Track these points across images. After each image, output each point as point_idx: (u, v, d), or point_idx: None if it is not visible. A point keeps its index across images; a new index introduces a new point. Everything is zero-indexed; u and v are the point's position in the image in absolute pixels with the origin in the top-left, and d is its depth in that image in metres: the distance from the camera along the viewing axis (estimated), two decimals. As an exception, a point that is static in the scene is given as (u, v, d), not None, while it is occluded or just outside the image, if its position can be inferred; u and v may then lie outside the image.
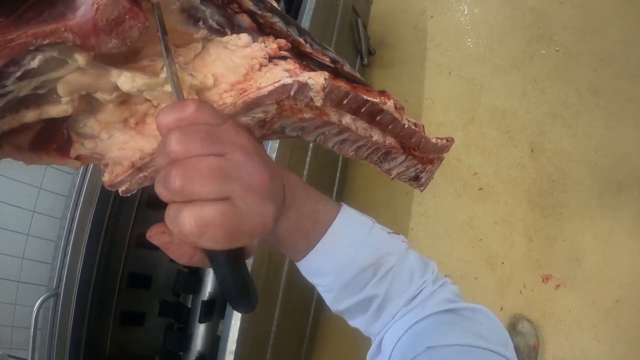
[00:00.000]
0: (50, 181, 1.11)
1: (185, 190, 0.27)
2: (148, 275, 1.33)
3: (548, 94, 1.78)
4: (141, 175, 0.44)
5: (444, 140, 0.57)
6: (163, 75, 0.36)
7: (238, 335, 0.97)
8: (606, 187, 1.65)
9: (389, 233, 0.45)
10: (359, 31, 1.70)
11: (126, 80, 0.35)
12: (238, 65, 0.40)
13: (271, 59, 0.40)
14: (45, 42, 0.30)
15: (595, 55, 1.79)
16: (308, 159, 1.30)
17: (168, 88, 0.37)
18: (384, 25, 2.04)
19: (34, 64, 0.32)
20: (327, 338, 1.73)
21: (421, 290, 0.43)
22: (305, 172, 1.28)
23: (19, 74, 0.32)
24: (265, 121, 0.41)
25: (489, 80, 1.84)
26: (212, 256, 0.32)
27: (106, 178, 0.44)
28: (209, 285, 1.24)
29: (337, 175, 1.66)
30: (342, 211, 0.43)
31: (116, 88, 0.37)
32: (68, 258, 1.03)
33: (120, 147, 0.43)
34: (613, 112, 1.72)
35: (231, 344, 0.98)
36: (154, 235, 0.32)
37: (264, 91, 0.38)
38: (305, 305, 1.54)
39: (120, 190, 0.45)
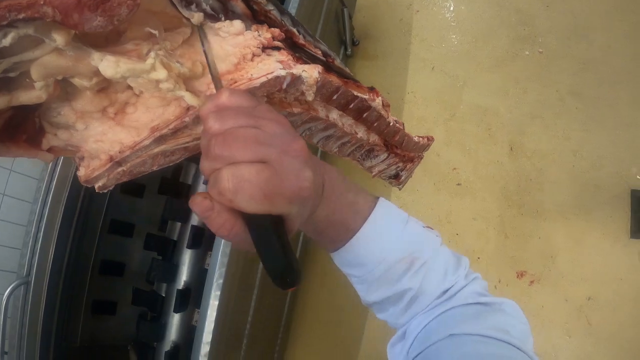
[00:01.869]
0: (21, 164, 1.09)
1: (224, 154, 0.29)
2: (121, 263, 1.32)
3: (529, 95, 1.82)
4: (120, 169, 0.41)
5: (425, 139, 0.59)
6: (150, 61, 0.34)
7: (214, 325, 0.97)
8: (582, 188, 1.69)
9: (423, 227, 0.46)
10: (344, 21, 1.70)
11: (109, 65, 0.32)
12: (229, 54, 0.38)
13: (264, 49, 0.39)
14: (21, 16, 0.27)
15: (577, 60, 1.83)
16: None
17: (155, 75, 0.34)
18: (369, 16, 2.04)
19: (6, 41, 0.29)
20: (302, 328, 1.75)
21: (453, 285, 0.44)
22: None
23: None
24: None
25: (472, 78, 1.86)
26: (252, 225, 0.31)
27: (82, 173, 0.41)
28: (185, 274, 1.25)
29: (318, 156, 1.67)
30: (380, 204, 0.44)
31: (97, 73, 0.34)
32: (39, 244, 1.01)
33: (98, 139, 0.40)
34: (592, 116, 1.76)
35: (207, 334, 0.98)
36: (196, 203, 0.31)
37: (256, 82, 0.37)
38: (281, 295, 1.55)
39: (96, 187, 0.43)
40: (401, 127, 0.53)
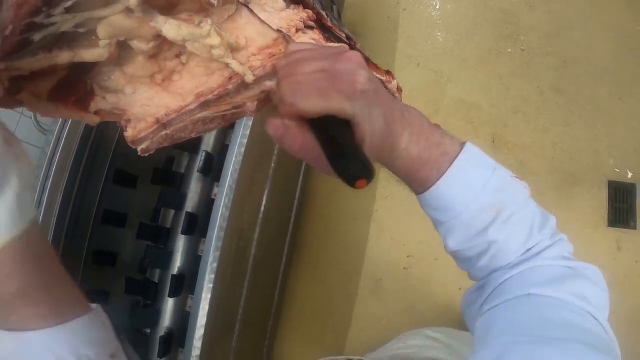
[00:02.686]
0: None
1: (287, 73, 0.35)
2: (113, 253, 1.35)
3: (511, 90, 1.88)
4: (164, 132, 0.44)
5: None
6: (207, 27, 0.36)
7: (208, 310, 1.00)
8: (561, 179, 1.76)
9: (511, 176, 0.46)
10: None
11: (172, 27, 0.35)
12: (274, 26, 0.41)
13: (306, 25, 0.42)
14: None
15: (558, 57, 1.90)
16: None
17: (210, 41, 0.37)
18: (357, 14, 2.09)
19: None
20: (292, 315, 1.79)
21: (538, 242, 0.43)
22: (275, 150, 1.34)
23: (69, 3, 0.30)
24: None
25: (456, 74, 1.91)
26: (320, 132, 0.32)
27: (129, 133, 0.44)
28: (178, 260, 1.29)
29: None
30: (467, 146, 0.43)
31: (155, 37, 0.36)
32: None
33: (144, 104, 0.43)
34: (572, 111, 1.84)
35: (201, 318, 1.00)
36: (269, 124, 0.35)
37: None
38: (272, 281, 1.59)
39: (139, 149, 0.45)
40: None
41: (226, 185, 1.07)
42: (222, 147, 1.30)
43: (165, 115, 0.43)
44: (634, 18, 1.89)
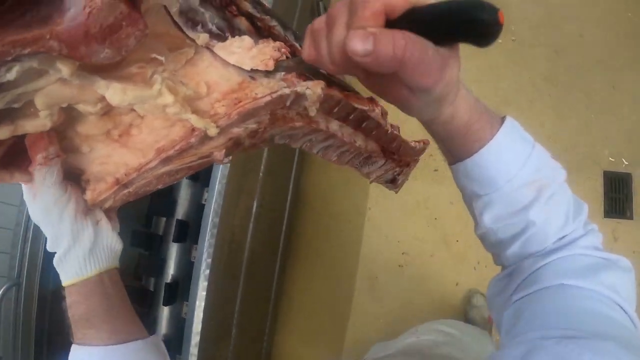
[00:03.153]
0: None
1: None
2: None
3: (503, 82, 1.87)
4: (126, 191, 0.42)
5: (421, 143, 0.58)
6: (157, 87, 0.34)
7: (203, 316, 1.00)
8: None
9: (550, 156, 0.44)
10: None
11: (116, 92, 0.32)
12: (232, 74, 0.38)
13: (276, 58, 0.39)
14: (26, 51, 0.26)
15: (550, 48, 1.89)
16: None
17: (161, 101, 0.34)
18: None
19: (10, 76, 0.28)
20: (289, 315, 1.80)
21: (573, 231, 0.42)
22: (264, 153, 1.34)
23: None
24: (257, 131, 0.39)
25: None
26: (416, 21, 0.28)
27: (88, 197, 0.42)
28: (172, 267, 1.29)
29: (296, 154, 1.71)
30: (509, 119, 0.42)
31: (101, 99, 0.34)
32: (29, 246, 1.03)
33: (103, 162, 0.41)
34: (565, 101, 1.83)
35: (196, 325, 1.01)
36: (355, 37, 0.28)
37: (261, 102, 0.36)
38: (267, 283, 1.59)
39: (103, 208, 0.44)
40: (398, 134, 0.52)
41: (215, 191, 1.07)
42: None
43: (125, 175, 0.41)
44: (626, 6, 1.88)
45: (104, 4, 0.27)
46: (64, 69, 0.30)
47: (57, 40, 0.27)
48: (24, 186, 0.42)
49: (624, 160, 1.78)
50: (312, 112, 0.40)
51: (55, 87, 0.32)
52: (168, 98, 0.35)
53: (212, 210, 1.09)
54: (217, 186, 1.10)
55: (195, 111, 0.37)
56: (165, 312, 1.27)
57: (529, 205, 0.41)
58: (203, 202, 1.29)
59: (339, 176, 1.86)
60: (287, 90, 0.37)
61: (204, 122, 0.37)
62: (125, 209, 1.34)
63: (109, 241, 0.46)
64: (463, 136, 0.40)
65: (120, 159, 0.41)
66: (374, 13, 0.27)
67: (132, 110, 0.39)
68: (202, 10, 0.38)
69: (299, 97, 0.38)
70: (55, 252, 0.44)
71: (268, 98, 0.36)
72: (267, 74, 0.38)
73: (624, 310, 0.37)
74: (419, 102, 0.33)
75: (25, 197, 0.43)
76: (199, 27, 0.38)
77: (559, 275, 0.39)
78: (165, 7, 0.34)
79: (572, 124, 1.82)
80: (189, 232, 1.27)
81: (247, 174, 1.27)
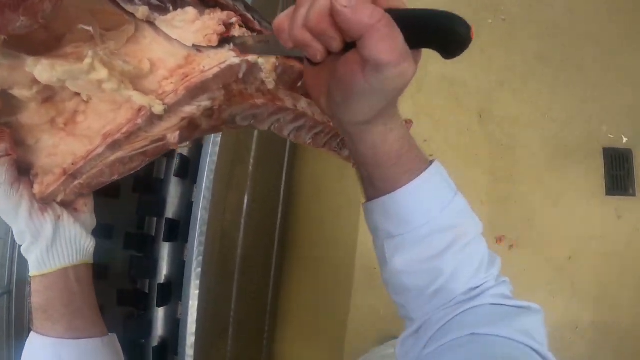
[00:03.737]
0: None
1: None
2: (104, 265, 1.35)
3: (495, 62, 1.85)
4: (76, 182, 0.40)
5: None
6: (87, 61, 0.32)
7: (197, 316, 1.00)
8: (554, 150, 1.75)
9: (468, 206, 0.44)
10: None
11: (44, 69, 0.31)
12: (178, 49, 0.36)
13: (227, 25, 0.37)
14: None
15: (541, 25, 1.87)
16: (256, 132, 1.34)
17: (95, 76, 0.33)
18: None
19: None
20: (289, 311, 1.79)
21: (484, 282, 0.42)
22: (253, 145, 1.32)
23: None
24: (212, 110, 0.38)
25: None
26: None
27: (36, 190, 0.40)
28: (165, 268, 1.28)
29: (287, 146, 1.70)
30: (436, 162, 0.42)
31: (36, 81, 0.33)
32: (16, 253, 1.03)
33: (50, 153, 0.39)
34: (559, 78, 1.81)
35: (191, 325, 1.00)
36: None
37: (209, 74, 0.35)
38: (264, 280, 1.58)
39: (58, 200, 0.41)
40: None
41: (203, 187, 1.07)
42: (198, 148, 1.29)
43: (72, 164, 0.38)
44: (615, -21, 1.86)
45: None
46: (-14, 45, 0.29)
47: (-30, 9, 0.26)
48: None
49: (623, 137, 1.76)
50: (270, 84, 0.38)
51: None
52: (102, 72, 0.33)
53: (200, 206, 1.07)
54: (204, 181, 1.09)
55: (141, 90, 0.36)
56: (160, 313, 1.26)
57: (442, 252, 0.41)
58: (193, 200, 1.28)
59: (332, 167, 1.85)
60: (236, 60, 0.35)
61: (147, 99, 0.35)
62: (118, 212, 1.33)
63: (73, 237, 0.44)
64: (392, 165, 0.39)
65: (67, 149, 0.39)
66: None
67: (76, 95, 0.37)
68: (139, -19, 0.36)
69: (252, 67, 0.37)
70: None
71: (216, 69, 0.35)
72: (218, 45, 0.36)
73: (540, 355, 0.37)
74: (363, 82, 0.32)
75: None
76: (137, 0, 0.35)
77: (470, 325, 0.39)
78: None
79: (568, 101, 1.80)
80: (179, 232, 1.26)
81: (235, 168, 1.26)
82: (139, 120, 0.36)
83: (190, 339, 1.02)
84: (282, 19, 0.32)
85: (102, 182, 0.42)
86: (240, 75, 0.37)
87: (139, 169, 0.42)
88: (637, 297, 1.64)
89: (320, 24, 0.30)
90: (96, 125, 0.38)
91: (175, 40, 0.36)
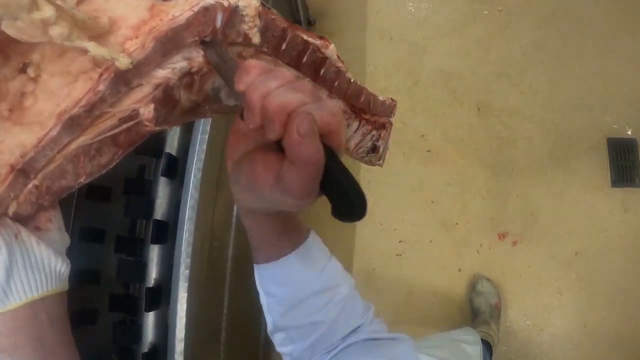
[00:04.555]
0: None
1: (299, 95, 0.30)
2: (95, 270, 1.33)
3: (492, 54, 1.84)
4: (31, 185, 0.33)
5: (389, 99, 0.54)
6: None
7: (186, 320, 0.98)
8: (556, 141, 1.73)
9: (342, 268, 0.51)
10: (297, 1, 1.74)
11: None
12: (139, 1, 0.32)
13: None
14: None
15: (537, 14, 1.86)
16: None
17: (38, 15, 0.27)
18: (325, -5, 2.08)
19: None
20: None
21: (359, 326, 0.49)
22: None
23: None
24: (192, 76, 0.33)
25: (432, 43, 1.88)
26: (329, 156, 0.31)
27: None
28: (154, 271, 1.26)
29: None
30: (312, 233, 0.48)
31: None
32: None
33: None
34: (558, 68, 1.80)
35: (180, 331, 0.98)
36: (305, 117, 0.30)
37: (180, 20, 0.30)
38: (254, 282, 1.58)
39: (10, 213, 0.34)
40: (364, 86, 0.47)
41: (190, 186, 1.05)
42: (186, 148, 1.28)
43: (21, 157, 0.31)
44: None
45: None
46: None
47: None
48: None
49: (627, 126, 1.74)
50: (255, 37, 0.33)
51: None
52: (47, 10, 0.27)
53: (187, 205, 1.05)
54: (192, 180, 1.07)
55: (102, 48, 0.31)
56: (150, 319, 1.24)
57: (322, 307, 0.47)
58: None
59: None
60: (210, 1, 0.30)
61: (108, 51, 0.29)
62: (109, 216, 1.30)
63: (38, 261, 0.35)
64: (274, 240, 0.45)
65: (14, 141, 0.32)
66: (326, 124, 0.30)
67: (21, 72, 0.32)
68: None
69: (232, 13, 0.31)
70: None
71: (189, 13, 0.30)
72: None
73: None
74: (269, 193, 0.33)
75: None
76: None
77: (349, 357, 0.46)
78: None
79: (568, 91, 1.79)
80: (168, 233, 1.24)
81: (224, 165, 1.23)
82: (101, 87, 0.30)
83: (179, 345, 0.99)
84: (253, 69, 0.30)
85: (66, 187, 0.35)
86: (218, 24, 0.31)
87: (111, 166, 0.35)
88: (647, 292, 1.61)
89: (276, 114, 0.29)
90: (48, 107, 0.32)
91: None
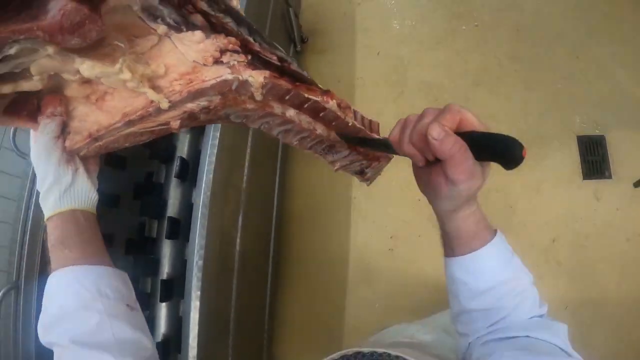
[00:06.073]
0: (5, 163, 1.11)
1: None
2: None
3: (470, 65, 2.00)
4: (97, 144, 0.53)
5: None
6: (118, 66, 0.46)
7: (199, 312, 1.03)
8: (531, 141, 1.86)
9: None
10: (291, 20, 1.88)
11: (87, 68, 0.45)
12: (190, 59, 0.47)
13: (223, 52, 0.47)
14: (22, 37, 0.40)
15: (511, 27, 2.04)
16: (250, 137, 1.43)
17: (122, 77, 0.46)
18: (315, 14, 2.23)
19: (12, 51, 0.42)
20: (286, 310, 1.88)
21: (532, 317, 0.54)
22: (248, 149, 1.41)
23: (1, 56, 0.42)
24: (209, 108, 0.48)
25: (415, 57, 2.04)
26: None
27: (67, 144, 0.54)
28: (166, 266, 1.34)
29: (279, 149, 1.80)
30: (499, 232, 0.54)
31: (79, 71, 0.48)
32: (26, 247, 1.03)
33: (82, 119, 0.53)
34: (531, 75, 1.96)
35: (193, 321, 1.04)
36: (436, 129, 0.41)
37: (207, 84, 0.45)
38: (262, 278, 1.63)
39: (80, 155, 0.56)
40: (362, 128, 0.55)
41: (202, 187, 1.11)
42: (196, 153, 1.35)
43: (97, 131, 0.51)
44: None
45: (73, 9, 0.39)
46: (49, 48, 0.43)
47: (42, 31, 0.40)
48: (31, 131, 0.56)
49: (596, 124, 1.89)
50: (258, 97, 0.48)
51: (44, 60, 0.45)
52: (127, 75, 0.46)
53: (200, 206, 1.12)
54: (204, 182, 1.14)
55: (155, 87, 0.48)
56: (163, 312, 1.29)
57: (504, 295, 0.53)
58: (193, 202, 1.35)
59: (323, 166, 1.93)
60: (230, 77, 0.45)
61: (157, 97, 0.47)
62: (118, 221, 1.38)
63: (83, 186, 0.56)
64: (469, 238, 0.52)
65: (94, 118, 0.51)
66: (453, 119, 0.42)
67: None
68: (161, 7, 0.47)
69: (244, 83, 0.46)
70: (39, 194, 0.56)
71: (213, 81, 0.45)
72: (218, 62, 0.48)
73: (564, 350, 0.50)
74: (446, 190, 0.45)
75: (31, 139, 0.56)
76: (158, 20, 0.47)
77: (526, 329, 0.52)
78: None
79: (541, 95, 1.95)
80: (180, 231, 1.31)
81: (232, 168, 1.33)
82: (150, 109, 0.48)
83: (192, 336, 1.05)
84: (395, 135, 0.46)
85: (117, 147, 0.55)
86: (234, 87, 0.46)
87: (146, 141, 0.54)
88: (622, 273, 1.75)
89: (420, 142, 0.43)
90: (119, 105, 0.50)
91: (192, 53, 0.48)
